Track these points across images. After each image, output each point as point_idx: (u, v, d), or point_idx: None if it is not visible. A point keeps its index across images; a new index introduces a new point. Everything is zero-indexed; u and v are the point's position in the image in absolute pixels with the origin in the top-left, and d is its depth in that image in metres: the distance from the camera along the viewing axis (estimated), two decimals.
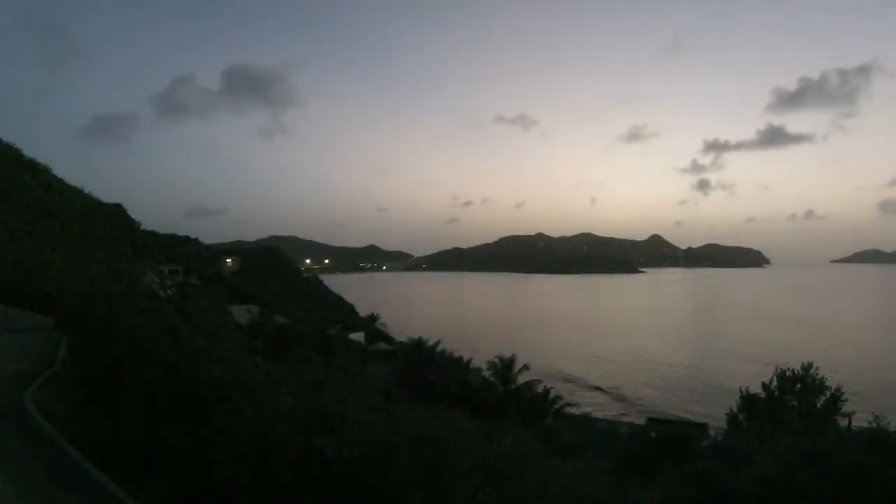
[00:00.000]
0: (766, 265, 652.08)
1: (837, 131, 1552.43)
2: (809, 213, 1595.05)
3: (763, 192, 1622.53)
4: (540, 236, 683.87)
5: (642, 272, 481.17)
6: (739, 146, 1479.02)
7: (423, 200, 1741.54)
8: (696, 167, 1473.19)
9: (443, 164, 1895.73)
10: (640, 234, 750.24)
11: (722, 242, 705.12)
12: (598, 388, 63.38)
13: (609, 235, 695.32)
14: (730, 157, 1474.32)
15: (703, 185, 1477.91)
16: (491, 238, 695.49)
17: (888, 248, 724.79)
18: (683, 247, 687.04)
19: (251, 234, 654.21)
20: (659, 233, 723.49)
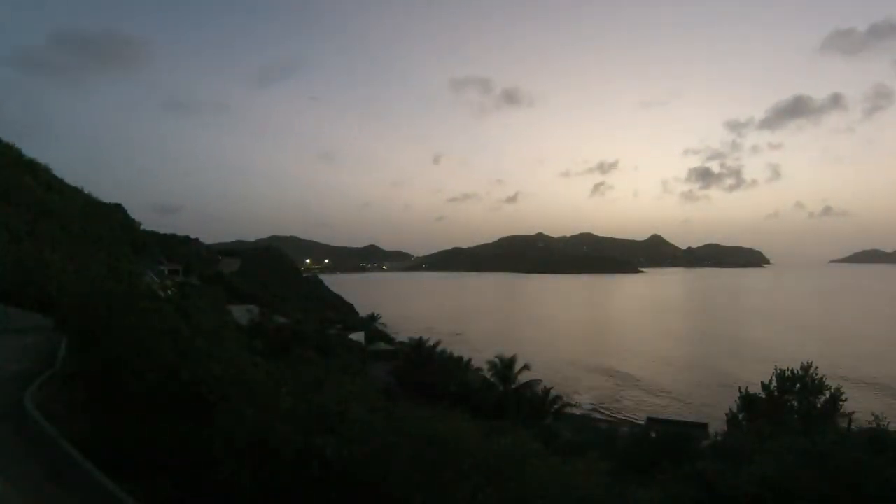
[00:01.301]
0: (766, 265, 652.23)
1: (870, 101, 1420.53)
2: (827, 210, 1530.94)
3: (775, 187, 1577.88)
4: (540, 236, 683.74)
5: (642, 272, 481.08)
6: (758, 126, 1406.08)
7: (410, 196, 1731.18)
8: (710, 155, 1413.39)
9: (424, 154, 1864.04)
10: (640, 234, 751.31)
11: (722, 242, 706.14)
12: (597, 388, 63.39)
13: (609, 235, 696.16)
14: (743, 143, 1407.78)
15: (707, 179, 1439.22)
16: (491, 238, 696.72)
17: (888, 248, 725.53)
18: (684, 247, 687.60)
19: (251, 234, 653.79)
20: (659, 233, 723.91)
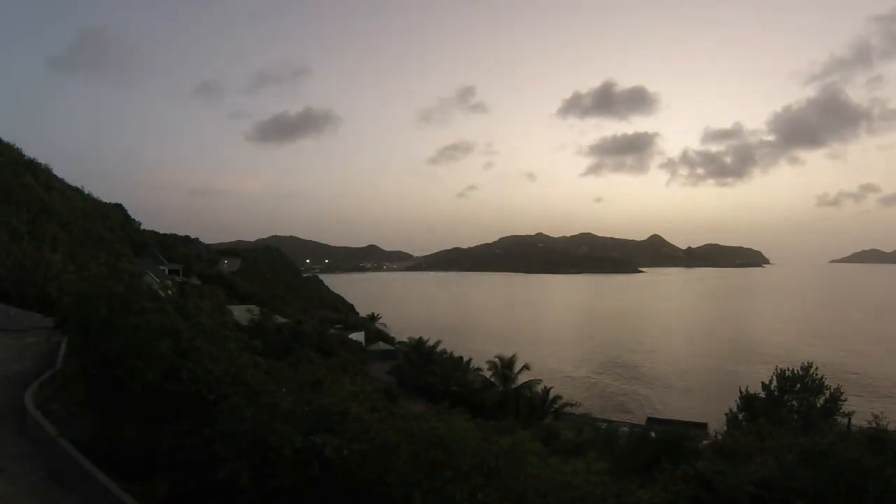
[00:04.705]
0: (765, 265, 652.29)
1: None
2: (891, 199, 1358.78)
3: (778, 183, 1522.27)
4: (540, 236, 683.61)
5: (642, 272, 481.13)
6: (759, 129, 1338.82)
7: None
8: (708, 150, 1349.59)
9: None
10: (640, 234, 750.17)
11: (722, 242, 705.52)
12: (597, 388, 63.40)
13: (609, 235, 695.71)
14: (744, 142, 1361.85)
15: (707, 176, 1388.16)
16: (491, 238, 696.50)
17: (887, 248, 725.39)
18: (683, 246, 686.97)
19: (251, 234, 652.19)
20: (659, 233, 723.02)
